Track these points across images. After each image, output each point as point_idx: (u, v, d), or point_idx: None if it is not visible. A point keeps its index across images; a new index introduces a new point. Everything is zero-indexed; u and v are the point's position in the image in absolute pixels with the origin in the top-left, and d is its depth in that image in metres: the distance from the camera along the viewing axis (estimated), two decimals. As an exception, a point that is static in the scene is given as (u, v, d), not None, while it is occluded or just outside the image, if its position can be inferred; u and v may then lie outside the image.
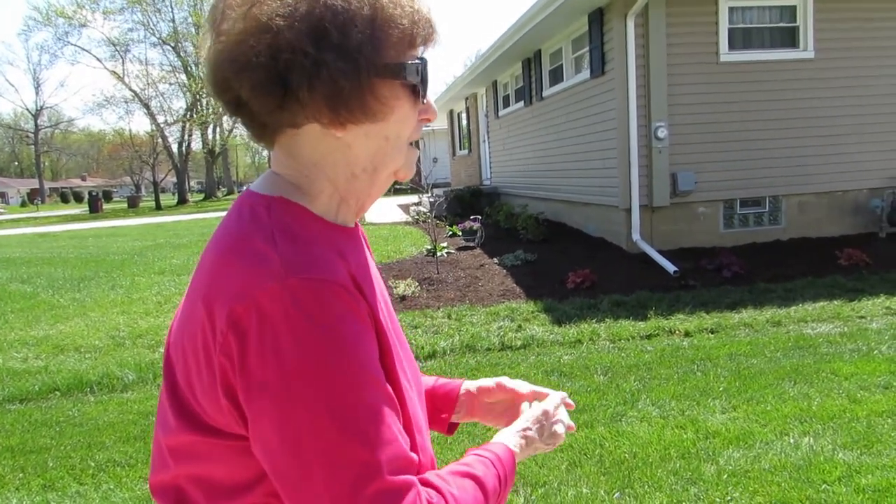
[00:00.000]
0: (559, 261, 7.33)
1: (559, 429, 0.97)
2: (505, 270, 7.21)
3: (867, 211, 7.92)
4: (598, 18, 7.91)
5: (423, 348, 4.82)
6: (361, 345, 0.68)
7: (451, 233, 9.83)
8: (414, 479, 0.69)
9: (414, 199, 18.06)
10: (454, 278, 6.99)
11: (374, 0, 0.71)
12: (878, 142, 7.97)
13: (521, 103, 11.67)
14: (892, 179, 7.94)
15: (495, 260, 7.73)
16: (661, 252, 7.09)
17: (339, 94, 0.70)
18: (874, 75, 7.92)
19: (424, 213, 12.23)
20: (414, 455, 0.72)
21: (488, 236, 9.28)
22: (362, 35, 0.70)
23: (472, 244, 8.98)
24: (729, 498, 2.75)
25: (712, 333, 4.96)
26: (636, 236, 7.36)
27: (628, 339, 4.91)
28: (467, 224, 9.16)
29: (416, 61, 0.76)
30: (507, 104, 13.13)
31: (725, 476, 2.91)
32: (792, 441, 3.19)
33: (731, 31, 7.69)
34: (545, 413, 0.97)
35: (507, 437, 0.91)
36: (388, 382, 0.72)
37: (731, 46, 7.69)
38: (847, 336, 4.69)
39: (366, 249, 0.87)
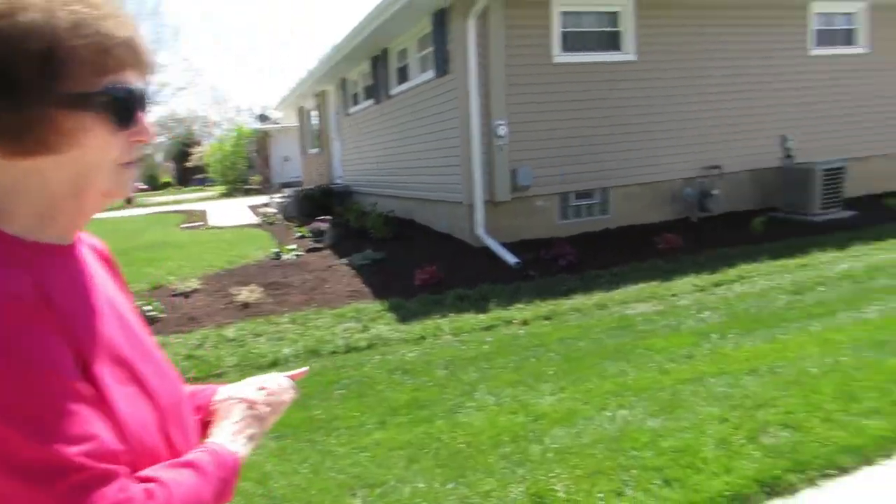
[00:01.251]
0: (408, 258, 7.42)
1: (261, 406, 1.03)
2: (354, 271, 7.19)
3: (682, 199, 8.80)
4: (441, 19, 8.08)
5: (264, 357, 4.68)
6: (38, 351, 0.70)
7: (300, 234, 9.62)
8: (117, 468, 0.71)
9: (264, 199, 17.46)
10: (301, 281, 6.84)
11: (52, 33, 0.70)
12: (690, 136, 8.87)
13: (371, 101, 11.67)
14: (702, 170, 8.88)
15: (344, 260, 7.68)
16: (503, 245, 7.41)
17: (6, 130, 0.71)
18: (685, 76, 8.79)
19: (273, 215, 11.87)
20: (117, 447, 0.73)
21: (339, 236, 9.19)
22: (35, 69, 0.70)
23: (321, 245, 8.84)
24: (552, 474, 2.93)
25: (547, 320, 5.26)
26: (480, 231, 7.64)
27: (470, 332, 5.08)
28: (315, 225, 9.02)
29: (104, 90, 0.75)
30: (356, 102, 13.06)
31: (550, 454, 3.11)
32: (609, 414, 3.47)
33: (563, 34, 8.15)
34: (243, 402, 1.03)
35: (220, 435, 0.96)
36: (95, 387, 0.74)
37: (564, 48, 8.17)
38: (661, 314, 5.18)
39: (88, 265, 0.87)
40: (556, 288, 6.05)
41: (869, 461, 2.83)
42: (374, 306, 5.83)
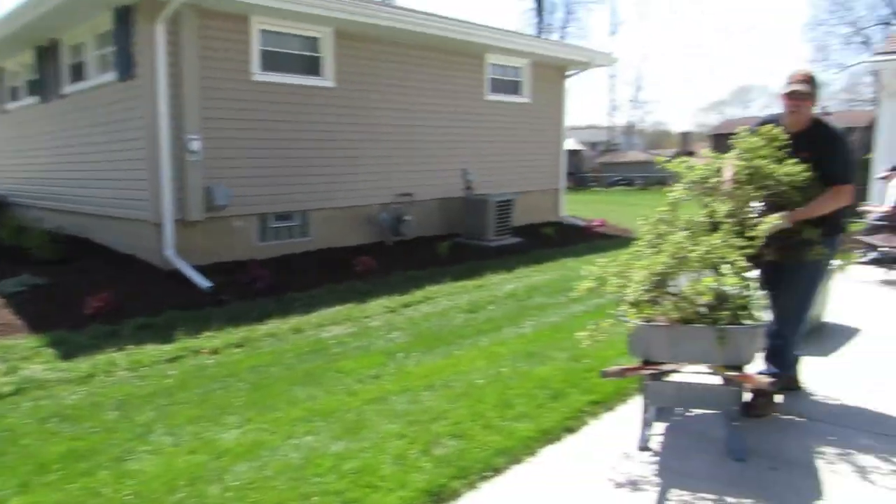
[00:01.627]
0: (80, 283, 6.46)
1: None
2: (3, 300, 6.00)
3: (378, 223, 9.28)
4: (125, 18, 7.27)
5: None
6: None
7: (-72, 255, 7.73)
8: None
9: None
10: (-76, 315, 5.48)
11: None
12: (386, 164, 9.42)
13: (37, 99, 9.98)
14: (396, 196, 9.49)
15: (-8, 287, 6.38)
16: (196, 267, 6.92)
17: None
18: (382, 107, 9.33)
19: None
20: None
21: (-13, 257, 7.61)
22: None
23: (-41, 268, 7.21)
24: (231, 516, 2.77)
25: (239, 347, 5.04)
26: (169, 252, 7.03)
27: (150, 366, 4.61)
28: (-48, 243, 7.34)
29: None
30: (16, 97, 11.08)
31: (230, 493, 2.94)
32: (296, 442, 3.42)
33: (263, 52, 8.02)
34: None
35: None
36: None
37: (264, 67, 8.03)
38: (354, 335, 5.35)
39: None
40: (252, 313, 5.85)
41: (518, 460, 3.26)
42: (27, 342, 4.92)
